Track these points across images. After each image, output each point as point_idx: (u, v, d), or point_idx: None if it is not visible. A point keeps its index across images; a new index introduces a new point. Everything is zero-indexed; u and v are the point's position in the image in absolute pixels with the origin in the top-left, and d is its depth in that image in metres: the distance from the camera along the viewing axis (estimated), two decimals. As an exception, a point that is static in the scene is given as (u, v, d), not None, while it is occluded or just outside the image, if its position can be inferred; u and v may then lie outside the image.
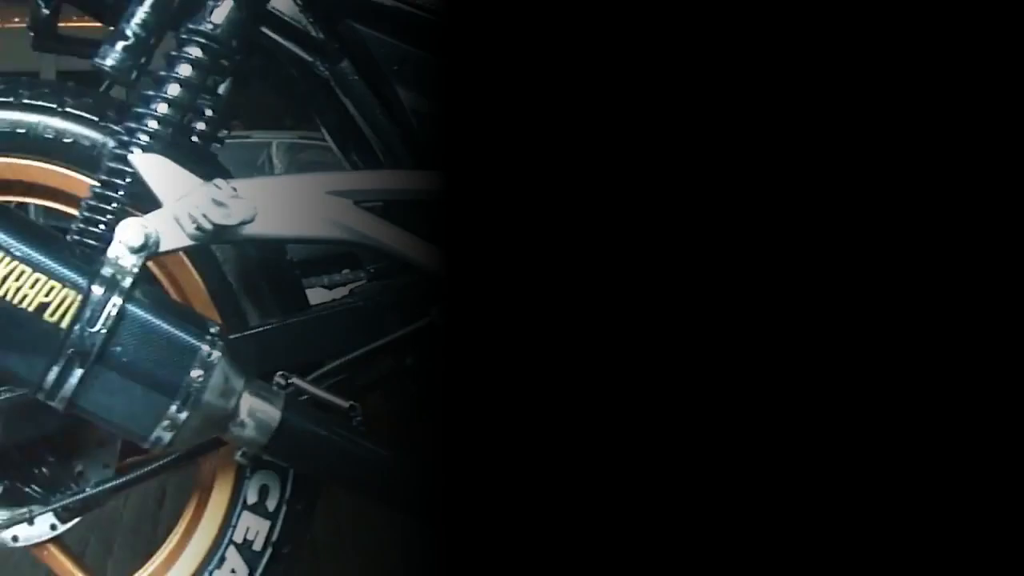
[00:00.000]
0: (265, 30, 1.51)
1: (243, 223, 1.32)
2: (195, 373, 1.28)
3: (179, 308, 1.38)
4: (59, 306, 1.25)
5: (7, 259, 1.24)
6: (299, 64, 1.55)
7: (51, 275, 1.25)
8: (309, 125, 4.44)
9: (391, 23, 1.49)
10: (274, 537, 1.54)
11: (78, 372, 1.25)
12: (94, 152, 1.48)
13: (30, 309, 1.24)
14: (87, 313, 1.25)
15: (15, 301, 1.24)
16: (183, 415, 1.28)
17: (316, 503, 1.57)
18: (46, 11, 1.64)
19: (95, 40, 1.70)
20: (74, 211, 1.51)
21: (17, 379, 1.30)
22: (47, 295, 1.25)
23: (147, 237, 1.30)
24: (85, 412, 1.29)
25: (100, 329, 1.25)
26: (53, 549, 1.52)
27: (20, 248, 1.25)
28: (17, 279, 1.24)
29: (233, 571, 1.53)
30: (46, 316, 1.25)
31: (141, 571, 1.58)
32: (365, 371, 1.54)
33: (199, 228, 1.32)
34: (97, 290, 1.26)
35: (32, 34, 1.67)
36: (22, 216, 1.33)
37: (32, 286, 1.24)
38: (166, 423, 1.28)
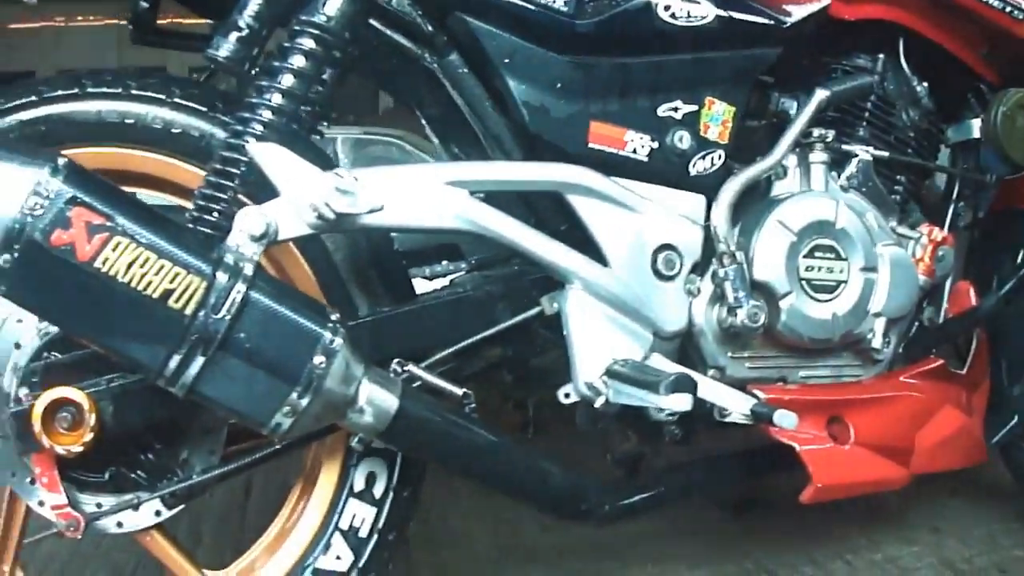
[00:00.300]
0: (373, 22, 1.52)
1: (371, 211, 1.34)
2: (318, 359, 1.29)
3: (299, 295, 1.38)
4: (184, 293, 1.25)
5: (132, 245, 1.24)
6: (404, 56, 1.55)
7: (176, 262, 1.25)
8: (372, 121, 4.48)
9: (502, 15, 1.50)
10: (380, 524, 1.55)
11: (200, 358, 1.26)
12: (203, 142, 1.49)
13: (155, 296, 1.25)
14: (212, 300, 1.26)
15: (140, 287, 1.24)
16: (304, 401, 1.29)
17: (420, 490, 1.58)
18: (145, 4, 1.66)
19: (193, 34, 1.73)
20: (180, 200, 1.53)
21: (137, 365, 1.29)
22: (172, 282, 1.25)
23: (268, 226, 1.32)
24: (205, 398, 1.29)
25: (224, 316, 1.26)
26: (156, 535, 1.52)
27: (145, 235, 1.25)
28: (142, 266, 1.24)
29: (339, 557, 1.55)
30: (171, 302, 1.25)
31: (245, 556, 1.59)
32: (474, 359, 1.55)
33: (320, 217, 1.33)
34: (221, 277, 1.26)
35: (131, 28, 1.69)
36: (145, 203, 1.32)
37: (157, 272, 1.25)
38: (287, 409, 1.29)
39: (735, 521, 2.18)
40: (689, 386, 1.38)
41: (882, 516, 2.15)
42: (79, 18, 6.39)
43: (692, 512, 2.17)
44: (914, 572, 1.93)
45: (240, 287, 1.27)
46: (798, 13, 1.66)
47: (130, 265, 1.24)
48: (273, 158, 1.35)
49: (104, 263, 1.23)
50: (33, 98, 1.46)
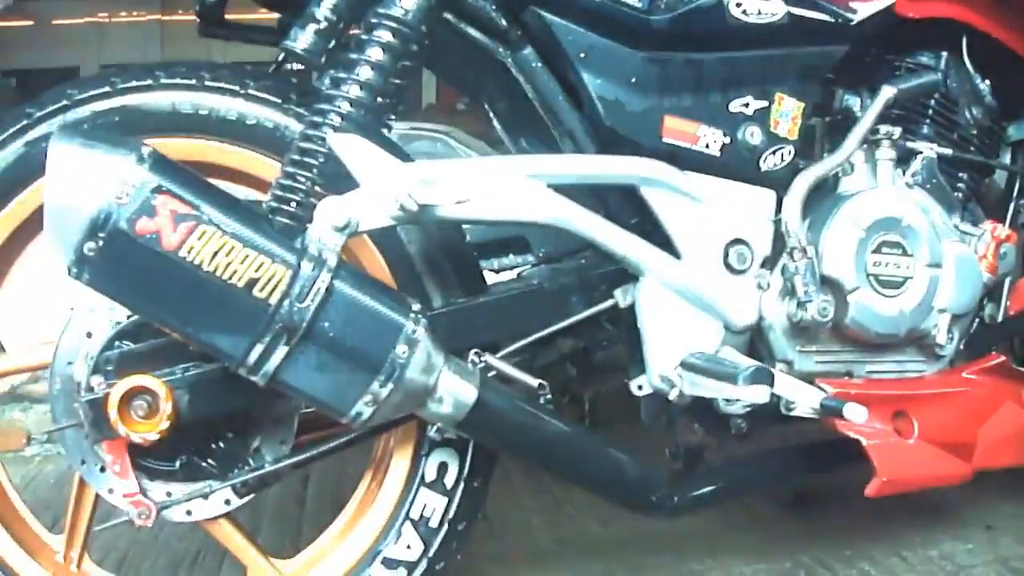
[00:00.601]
0: (447, 15, 1.53)
1: (457, 203, 1.34)
2: (400, 349, 1.30)
3: (381, 286, 1.39)
4: (268, 282, 1.26)
5: (218, 234, 1.25)
6: (477, 49, 1.56)
7: (261, 251, 1.26)
8: (416, 116, 4.48)
9: (577, 10, 1.51)
10: (450, 514, 1.57)
11: (284, 348, 1.27)
12: (276, 134, 1.50)
13: (239, 285, 1.25)
14: (296, 289, 1.26)
15: (225, 276, 1.25)
16: (385, 390, 1.30)
17: (491, 480, 1.59)
18: (213, -2, 1.67)
19: (261, 27, 1.73)
20: (252, 191, 1.54)
21: (219, 354, 1.29)
22: (257, 271, 1.26)
23: (350, 216, 1.33)
24: (286, 387, 1.30)
25: (308, 305, 1.26)
26: (225, 523, 1.54)
27: (230, 224, 1.26)
28: (228, 255, 1.25)
29: (409, 546, 1.56)
30: (255, 292, 1.26)
31: (315, 543, 1.61)
32: (545, 351, 1.56)
33: (403, 208, 1.34)
34: (306, 267, 1.27)
35: (198, 20, 1.70)
36: (229, 194, 1.33)
37: (242, 262, 1.25)
38: (368, 398, 1.30)
39: (791, 516, 2.18)
40: (767, 378, 1.39)
41: (936, 514, 2.14)
42: (123, 14, 6.42)
43: (748, 507, 2.17)
44: (970, 569, 1.92)
45: (325, 277, 1.28)
46: (864, 11, 1.66)
47: (215, 254, 1.25)
48: (354, 149, 1.36)
49: (189, 252, 1.24)
50: (107, 89, 1.47)
